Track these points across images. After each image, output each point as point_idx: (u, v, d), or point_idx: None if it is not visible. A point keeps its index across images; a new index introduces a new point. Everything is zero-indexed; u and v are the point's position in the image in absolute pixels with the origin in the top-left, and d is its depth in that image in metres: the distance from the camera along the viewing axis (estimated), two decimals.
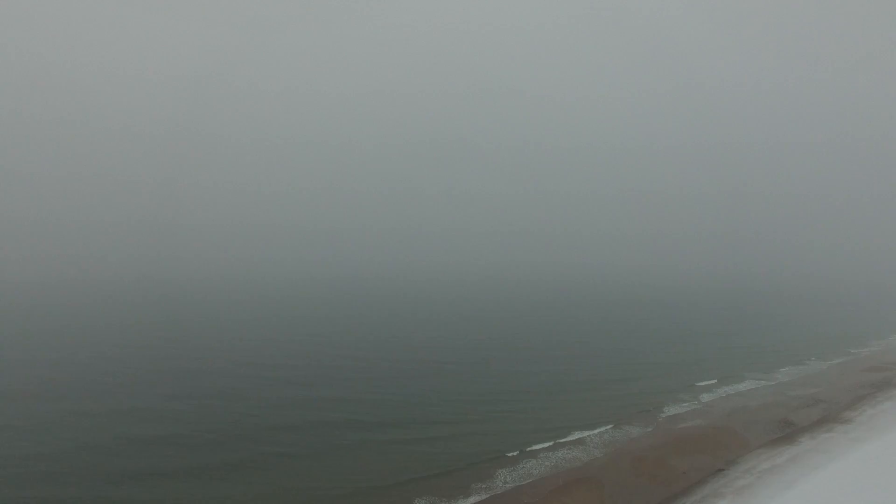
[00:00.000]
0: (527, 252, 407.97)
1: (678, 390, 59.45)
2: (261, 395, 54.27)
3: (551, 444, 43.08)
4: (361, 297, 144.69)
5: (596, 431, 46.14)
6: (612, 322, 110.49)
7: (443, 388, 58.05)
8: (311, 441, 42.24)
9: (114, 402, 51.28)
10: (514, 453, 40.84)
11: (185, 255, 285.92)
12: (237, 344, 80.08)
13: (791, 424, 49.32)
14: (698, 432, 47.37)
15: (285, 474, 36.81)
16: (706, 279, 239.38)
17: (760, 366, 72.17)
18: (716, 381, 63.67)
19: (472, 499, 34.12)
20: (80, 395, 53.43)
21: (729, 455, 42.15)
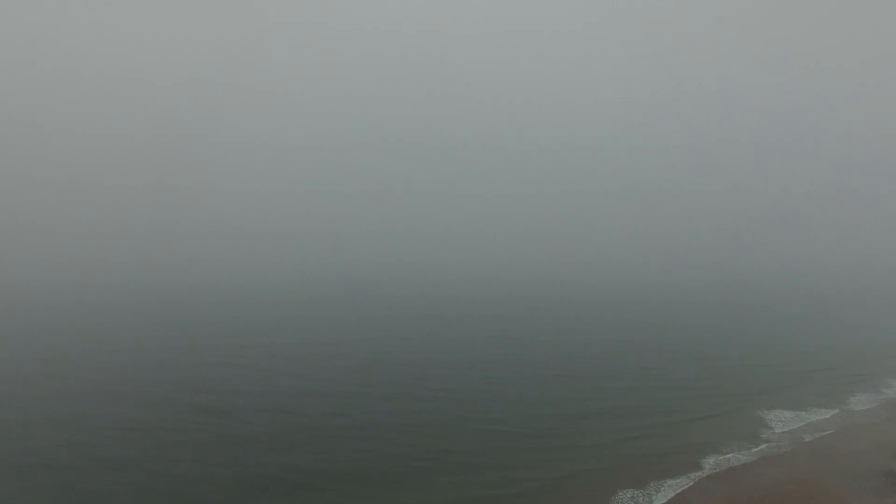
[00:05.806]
0: (527, 253, 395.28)
1: (737, 426, 47.88)
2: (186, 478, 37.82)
3: None
4: (347, 303, 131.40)
5: None
6: (630, 331, 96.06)
7: (434, 446, 43.26)
8: None
9: None
10: None
11: (168, 258, 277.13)
12: (192, 384, 63.69)
13: None
14: (779, 492, 35.91)
15: None
16: (724, 279, 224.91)
17: (826, 389, 60.23)
18: (780, 412, 52.05)
19: None
20: None
21: None
